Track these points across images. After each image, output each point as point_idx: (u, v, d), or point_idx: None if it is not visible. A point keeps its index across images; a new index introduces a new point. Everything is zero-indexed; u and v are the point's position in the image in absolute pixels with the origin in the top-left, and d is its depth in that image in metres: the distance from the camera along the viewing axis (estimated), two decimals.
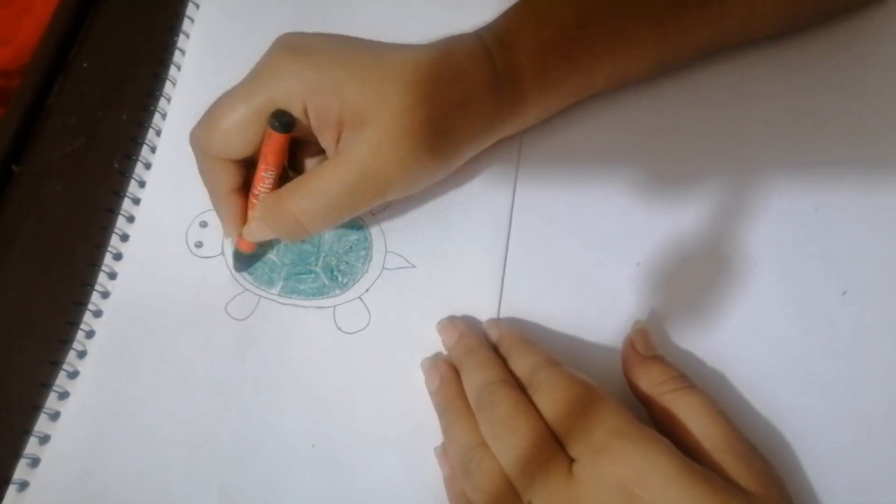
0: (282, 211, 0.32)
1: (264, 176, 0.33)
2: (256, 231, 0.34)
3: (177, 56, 0.42)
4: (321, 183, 0.32)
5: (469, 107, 0.32)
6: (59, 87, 0.43)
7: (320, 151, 0.35)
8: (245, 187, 0.34)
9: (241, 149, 0.32)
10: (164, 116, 0.41)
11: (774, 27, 0.38)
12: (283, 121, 0.31)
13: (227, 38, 0.43)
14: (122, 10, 0.45)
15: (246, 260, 0.36)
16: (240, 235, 0.35)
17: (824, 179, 0.36)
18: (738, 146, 0.37)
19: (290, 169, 0.35)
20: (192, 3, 0.44)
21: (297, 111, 0.31)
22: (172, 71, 0.42)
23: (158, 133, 0.40)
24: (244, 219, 0.34)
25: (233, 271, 0.37)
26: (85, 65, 0.44)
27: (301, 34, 0.33)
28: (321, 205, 0.32)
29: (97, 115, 0.42)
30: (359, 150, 0.31)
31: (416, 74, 0.31)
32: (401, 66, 0.31)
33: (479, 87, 0.32)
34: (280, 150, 0.32)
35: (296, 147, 0.34)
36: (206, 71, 0.42)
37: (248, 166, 0.34)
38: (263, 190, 0.33)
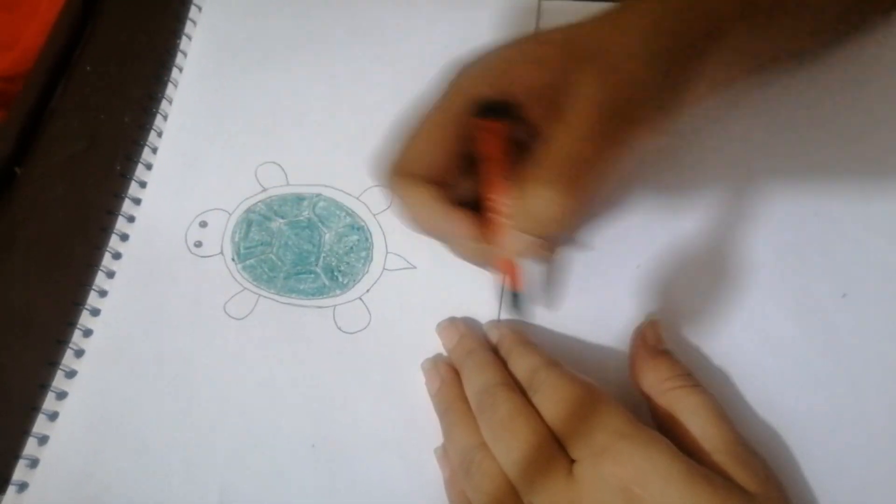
0: (537, 200, 0.27)
1: (496, 181, 0.26)
2: (519, 244, 0.29)
3: (178, 58, 0.43)
4: (558, 151, 0.27)
5: (677, 51, 0.29)
6: (61, 90, 0.44)
7: None
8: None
9: (440, 162, 0.29)
10: (165, 118, 0.41)
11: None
12: (494, 105, 0.24)
13: (229, 41, 0.43)
14: (124, 13, 0.46)
15: (524, 299, 0.31)
16: (511, 274, 0.30)
17: (824, 183, 0.36)
18: (738, 149, 0.37)
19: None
20: (194, 5, 0.44)
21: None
22: (174, 73, 0.42)
23: (160, 135, 0.41)
24: (478, 232, 0.29)
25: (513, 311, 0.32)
26: (87, 68, 0.44)
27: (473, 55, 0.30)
28: (575, 169, 0.27)
29: (99, 117, 0.42)
30: (585, 93, 0.27)
31: (616, 35, 0.29)
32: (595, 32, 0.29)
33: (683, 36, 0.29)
34: (503, 141, 0.25)
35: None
36: (207, 73, 0.42)
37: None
38: (503, 200, 0.27)
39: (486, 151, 0.25)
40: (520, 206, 0.28)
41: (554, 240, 0.30)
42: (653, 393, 0.29)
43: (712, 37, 0.29)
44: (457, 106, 0.29)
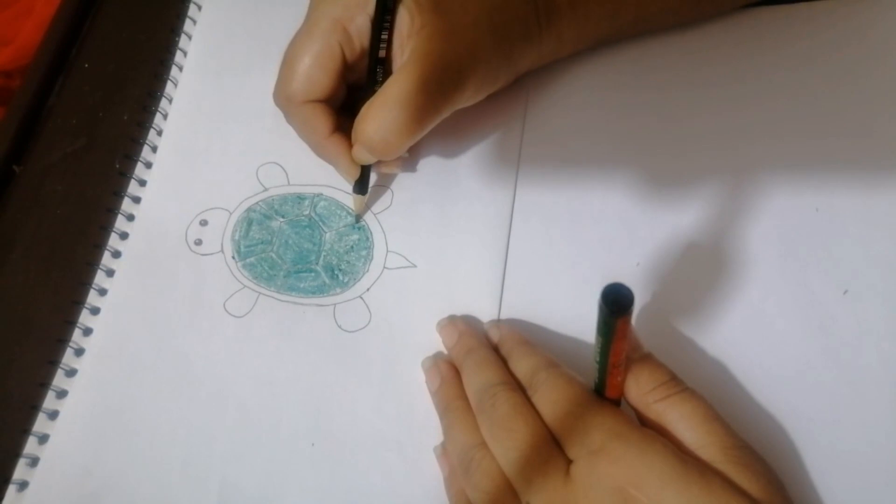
0: (366, 130, 0.32)
1: (616, 371, 0.27)
2: (361, 155, 0.34)
3: (178, 56, 0.43)
4: (395, 89, 0.31)
5: (510, 10, 0.33)
6: (59, 87, 0.43)
7: None
8: (341, 127, 0.35)
9: (325, 84, 0.33)
10: (165, 117, 0.41)
11: None
12: (619, 299, 0.23)
13: (229, 39, 0.43)
14: (123, 10, 0.45)
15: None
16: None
17: (825, 179, 0.36)
18: (739, 145, 0.37)
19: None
20: (194, 3, 0.44)
21: (359, 24, 0.33)
22: (174, 71, 0.42)
23: (160, 133, 0.40)
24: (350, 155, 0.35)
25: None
26: (86, 65, 0.44)
27: None
28: (400, 112, 0.31)
29: (98, 115, 0.42)
30: (426, 44, 0.31)
31: None
32: None
33: None
34: (626, 334, 0.25)
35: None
36: (207, 71, 0.42)
37: (338, 112, 0.35)
38: (620, 371, 0.27)
39: (616, 336, 0.25)
40: (358, 128, 0.33)
41: (384, 159, 0.35)
42: (639, 406, 0.28)
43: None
44: (325, 27, 0.33)
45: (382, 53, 0.33)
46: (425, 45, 0.32)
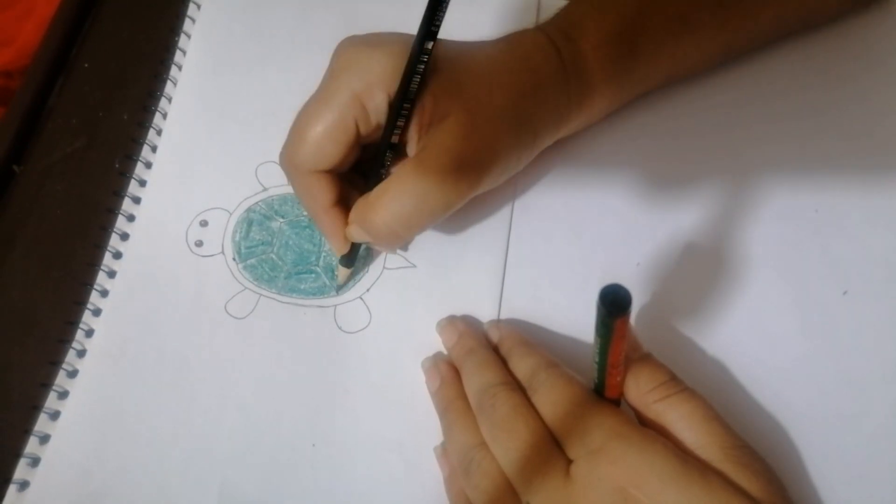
0: (374, 219, 0.31)
1: (615, 371, 0.27)
2: (356, 234, 0.33)
3: (178, 56, 0.43)
4: (410, 183, 0.30)
5: (540, 95, 0.32)
6: (59, 87, 0.43)
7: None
8: (342, 200, 0.33)
9: (334, 156, 0.32)
10: (164, 116, 0.41)
11: (836, 12, 0.38)
12: (617, 300, 0.23)
13: (228, 39, 0.43)
14: (123, 10, 0.45)
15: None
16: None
17: (824, 179, 0.36)
18: (738, 147, 0.37)
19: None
20: (193, 3, 0.44)
21: (378, 103, 0.31)
22: (173, 71, 0.42)
23: (160, 133, 0.40)
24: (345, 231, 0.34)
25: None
26: (86, 65, 0.44)
27: (363, 34, 0.32)
28: (413, 207, 0.30)
29: (98, 115, 0.42)
30: (446, 139, 0.30)
31: (491, 64, 0.32)
32: (473, 56, 0.32)
33: (548, 77, 0.32)
34: (625, 334, 0.25)
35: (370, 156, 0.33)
36: (207, 71, 0.42)
37: (342, 179, 0.33)
38: (620, 372, 0.27)
39: (615, 336, 0.25)
40: (364, 213, 0.31)
41: (386, 246, 0.35)
42: (638, 406, 0.28)
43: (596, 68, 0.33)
44: (343, 100, 0.30)
45: (395, 139, 0.31)
46: (445, 139, 0.30)
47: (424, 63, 0.29)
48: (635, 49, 0.34)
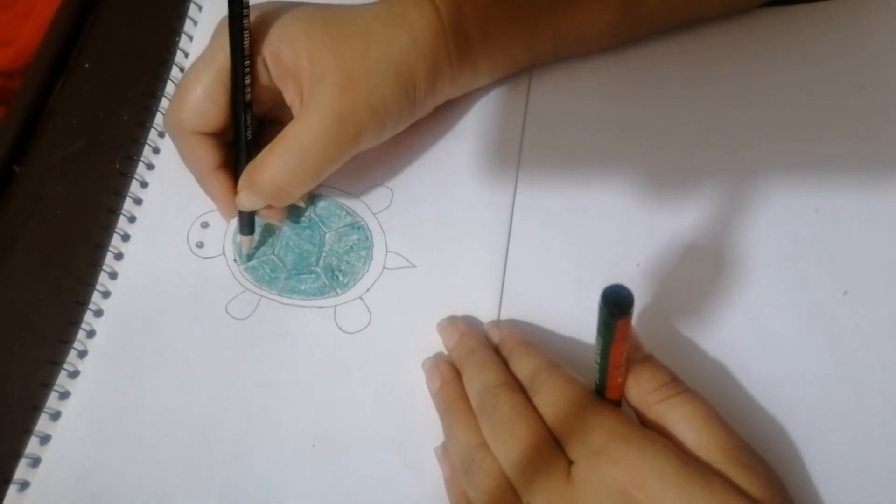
0: (262, 178, 0.32)
1: (616, 372, 0.27)
2: (246, 201, 0.34)
3: (178, 57, 0.43)
4: (292, 140, 0.32)
5: (417, 50, 0.33)
6: (60, 87, 0.43)
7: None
8: (227, 163, 0.35)
9: (215, 116, 0.33)
10: None
11: None
12: (619, 301, 0.23)
13: None
14: (124, 10, 0.45)
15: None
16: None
17: (824, 179, 0.36)
18: (739, 147, 0.37)
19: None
20: (194, 3, 0.44)
21: (259, 64, 0.33)
22: (174, 71, 0.42)
23: (161, 134, 0.40)
24: (233, 194, 0.35)
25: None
26: (86, 65, 0.44)
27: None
28: (297, 162, 0.32)
29: (98, 115, 0.42)
30: (324, 98, 0.32)
31: (366, 21, 0.33)
32: (350, 15, 0.33)
33: (424, 31, 0.33)
34: (626, 335, 0.25)
35: (267, 125, 0.35)
36: None
37: (226, 142, 0.35)
38: (621, 373, 0.27)
39: (616, 337, 0.25)
40: (251, 175, 0.33)
41: (276, 206, 0.35)
42: (639, 407, 0.28)
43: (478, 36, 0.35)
44: (221, 60, 0.32)
45: (248, 97, 0.33)
46: (323, 98, 0.32)
47: (246, 17, 0.31)
48: (515, 15, 0.35)
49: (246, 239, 0.37)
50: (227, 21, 0.32)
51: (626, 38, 0.39)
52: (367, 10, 0.34)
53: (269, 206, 0.35)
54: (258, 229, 0.37)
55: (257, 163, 0.33)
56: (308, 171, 0.33)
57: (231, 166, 0.35)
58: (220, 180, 0.35)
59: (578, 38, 0.38)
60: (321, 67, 0.32)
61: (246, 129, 0.34)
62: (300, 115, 0.32)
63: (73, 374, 0.35)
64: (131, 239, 0.38)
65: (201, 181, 0.35)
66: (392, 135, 0.35)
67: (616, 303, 0.23)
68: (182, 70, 0.42)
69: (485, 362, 0.31)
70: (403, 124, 0.35)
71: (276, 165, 0.32)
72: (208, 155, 0.34)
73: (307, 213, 0.38)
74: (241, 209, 0.35)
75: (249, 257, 0.37)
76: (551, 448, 0.27)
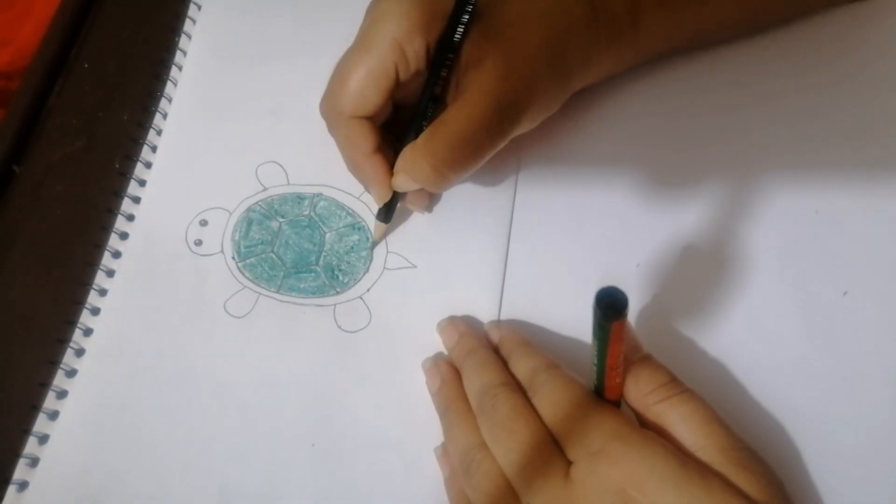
0: (422, 164, 0.32)
1: (614, 373, 0.27)
2: (402, 183, 0.34)
3: (178, 56, 0.43)
4: (454, 125, 0.31)
5: (572, 37, 0.33)
6: (59, 87, 0.43)
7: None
8: (382, 147, 0.34)
9: (375, 101, 0.33)
10: (164, 116, 0.41)
11: None
12: (613, 303, 0.23)
13: (229, 39, 0.43)
14: (123, 10, 0.45)
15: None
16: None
17: (824, 180, 0.36)
18: (739, 147, 0.37)
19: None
20: (194, 3, 0.44)
21: (417, 48, 0.32)
22: (173, 71, 0.42)
23: (159, 133, 0.40)
24: (389, 177, 0.34)
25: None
26: (85, 65, 0.44)
27: None
28: (459, 148, 0.31)
29: (98, 115, 0.42)
30: (487, 80, 0.31)
31: (524, 8, 0.33)
32: (508, 1, 0.33)
33: (579, 19, 0.33)
34: (622, 336, 0.25)
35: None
36: (207, 71, 0.42)
37: (381, 127, 0.35)
38: (619, 373, 0.27)
39: (612, 339, 0.25)
40: (413, 158, 0.32)
41: (432, 190, 0.35)
42: (638, 408, 0.28)
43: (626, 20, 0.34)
44: (383, 45, 0.32)
45: (438, 90, 0.33)
46: (486, 81, 0.31)
47: (468, 13, 0.31)
48: (664, 3, 0.35)
49: (381, 226, 0.36)
50: (382, 2, 0.32)
51: (760, 27, 0.39)
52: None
53: (416, 193, 0.35)
54: (258, 227, 0.37)
55: (419, 147, 0.32)
56: (471, 158, 0.32)
57: (385, 150, 0.34)
58: (376, 164, 0.34)
59: (718, 27, 0.38)
60: (480, 52, 0.32)
61: (426, 118, 0.33)
62: (464, 99, 0.31)
63: (71, 374, 0.35)
64: (129, 237, 0.38)
65: (357, 165, 0.35)
66: (542, 120, 0.35)
67: (610, 305, 0.23)
68: (181, 70, 0.42)
69: (484, 362, 0.31)
70: (554, 109, 0.35)
71: (439, 152, 0.31)
72: (366, 139, 0.34)
73: (307, 213, 0.38)
74: (397, 189, 0.34)
75: (375, 244, 0.37)
76: (550, 448, 0.27)
